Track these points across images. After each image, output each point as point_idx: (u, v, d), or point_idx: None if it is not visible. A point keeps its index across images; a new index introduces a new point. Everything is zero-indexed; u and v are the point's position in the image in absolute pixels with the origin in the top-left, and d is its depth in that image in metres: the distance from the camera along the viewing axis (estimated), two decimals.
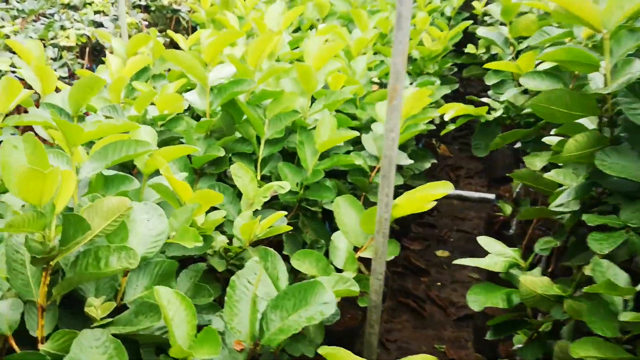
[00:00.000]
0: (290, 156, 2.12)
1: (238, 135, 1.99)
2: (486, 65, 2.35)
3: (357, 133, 1.95)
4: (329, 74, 2.11)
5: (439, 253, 2.87)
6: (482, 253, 1.56)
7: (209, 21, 3.71)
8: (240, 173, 1.71)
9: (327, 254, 1.60)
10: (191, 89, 2.30)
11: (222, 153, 1.80)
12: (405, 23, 1.19)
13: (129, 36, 3.91)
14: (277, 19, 2.39)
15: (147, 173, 1.59)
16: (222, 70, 1.97)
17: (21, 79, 2.42)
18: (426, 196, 1.48)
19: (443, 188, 1.48)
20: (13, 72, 2.85)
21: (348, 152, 2.09)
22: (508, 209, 2.67)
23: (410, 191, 1.51)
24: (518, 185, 2.88)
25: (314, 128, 2.06)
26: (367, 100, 2.39)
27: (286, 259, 1.75)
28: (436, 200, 1.51)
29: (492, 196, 3.31)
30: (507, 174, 2.04)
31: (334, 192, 1.93)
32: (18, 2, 4.36)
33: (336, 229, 1.62)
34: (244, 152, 1.94)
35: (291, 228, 1.61)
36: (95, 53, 3.73)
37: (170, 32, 3.01)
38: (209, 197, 1.48)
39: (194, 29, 4.98)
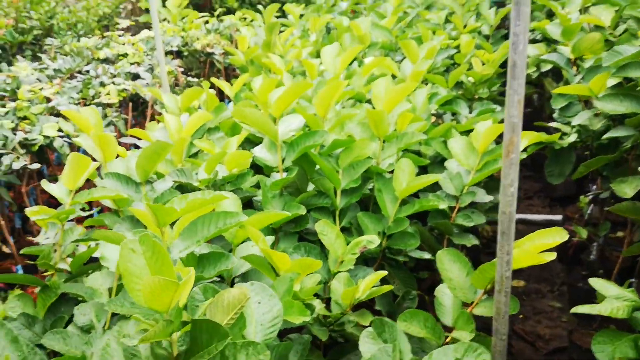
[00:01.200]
0: (363, 203, 2.03)
1: (310, 187, 1.91)
2: (556, 91, 2.25)
3: (438, 177, 1.85)
4: (399, 116, 2.03)
5: (514, 283, 2.74)
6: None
7: (248, 63, 3.67)
8: (326, 230, 1.63)
9: (421, 306, 1.50)
10: (253, 142, 2.24)
11: (303, 211, 1.71)
12: (521, 72, 1.10)
13: (170, 86, 3.88)
14: (334, 61, 2.31)
15: (236, 244, 1.51)
16: (291, 122, 1.90)
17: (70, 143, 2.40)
18: (540, 246, 1.37)
19: (557, 236, 1.37)
20: (61, 136, 2.81)
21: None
22: (584, 232, 2.55)
23: (519, 241, 1.41)
24: (589, 207, 2.75)
25: (390, 172, 1.97)
26: (431, 135, 2.30)
27: (376, 313, 1.66)
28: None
29: (558, 217, 3.18)
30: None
31: (418, 239, 1.83)
32: (50, 59, 4.37)
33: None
34: (322, 206, 1.85)
35: (392, 287, 1.51)
36: (134, 106, 3.70)
37: (215, 79, 2.96)
38: (308, 265, 1.40)
39: (227, 71, 4.95)
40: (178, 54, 4.60)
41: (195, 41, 4.61)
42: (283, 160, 1.85)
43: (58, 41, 4.80)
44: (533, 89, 3.78)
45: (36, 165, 2.53)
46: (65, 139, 2.82)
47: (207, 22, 5.29)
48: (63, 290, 1.63)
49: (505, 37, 4.37)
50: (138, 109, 3.76)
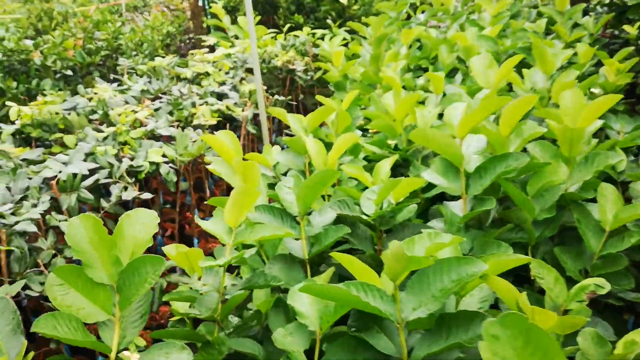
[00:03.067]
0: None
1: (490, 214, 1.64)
2: None
3: None
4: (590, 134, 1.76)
5: None
6: None
7: (343, 79, 3.45)
8: (543, 273, 1.36)
9: None
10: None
11: (509, 250, 1.44)
12: None
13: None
14: (486, 73, 2.06)
15: (462, 295, 1.25)
16: (471, 143, 1.64)
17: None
18: None
19: None
20: (166, 162, 2.60)
21: None
22: None
23: None
24: None
25: (584, 200, 1.70)
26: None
27: None
28: None
29: None
30: None
31: (632, 279, 1.55)
32: (123, 80, 4.21)
33: None
34: (516, 241, 1.58)
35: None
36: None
37: (321, 97, 2.72)
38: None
39: (304, 89, 4.74)
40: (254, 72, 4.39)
41: (273, 58, 4.41)
42: (468, 188, 1.59)
43: (129, 61, 4.64)
44: None
45: (148, 195, 2.31)
46: (171, 164, 2.61)
47: (274, 38, 5.11)
48: (232, 346, 1.39)
49: (606, 45, 4.08)
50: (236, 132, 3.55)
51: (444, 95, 2.54)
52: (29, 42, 4.58)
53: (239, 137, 3.47)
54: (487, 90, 2.01)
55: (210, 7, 6.43)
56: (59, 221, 2.11)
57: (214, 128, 3.37)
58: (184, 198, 3.47)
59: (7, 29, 4.83)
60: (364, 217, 1.62)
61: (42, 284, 1.82)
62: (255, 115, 3.63)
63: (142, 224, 1.10)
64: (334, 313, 1.16)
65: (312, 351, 1.24)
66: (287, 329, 1.30)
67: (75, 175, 2.26)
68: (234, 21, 5.47)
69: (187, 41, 6.94)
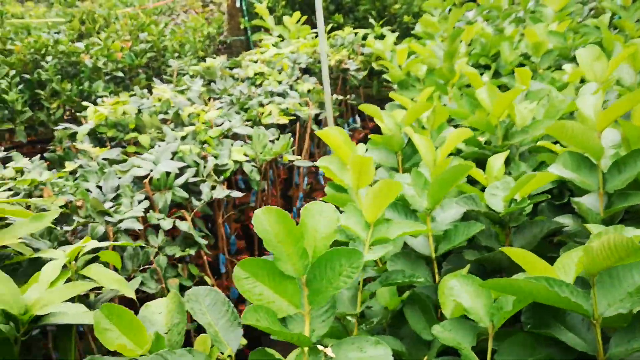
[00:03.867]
0: None
1: None
2: None
3: None
4: None
5: None
6: None
7: (406, 77, 3.42)
8: None
9: None
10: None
11: None
12: None
13: (319, 104, 3.65)
14: (592, 66, 2.02)
15: None
16: (609, 137, 1.61)
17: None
18: None
19: None
20: (248, 161, 2.59)
21: None
22: None
23: None
24: None
25: None
26: None
27: None
28: None
29: None
30: None
31: None
32: (174, 82, 4.21)
33: None
34: None
35: None
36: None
37: (394, 94, 2.70)
38: None
39: (353, 89, 4.72)
40: (306, 71, 4.39)
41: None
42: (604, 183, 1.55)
43: (178, 62, 4.64)
44: None
45: (237, 194, 2.30)
46: (253, 163, 2.59)
47: (316, 37, 5.10)
48: None
49: None
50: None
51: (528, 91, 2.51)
52: (79, 45, 4.60)
53: (303, 136, 3.46)
54: (595, 84, 1.98)
55: (247, 9, 6.43)
56: (158, 220, 2.10)
57: (280, 128, 3.36)
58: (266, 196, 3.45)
59: (58, 31, 4.85)
60: (494, 213, 1.59)
61: (157, 280, 1.81)
62: (316, 115, 3.62)
63: (324, 217, 1.08)
64: (512, 308, 1.13)
65: (478, 348, 1.21)
66: (445, 326, 1.27)
67: (168, 174, 2.25)
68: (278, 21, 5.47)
69: (224, 43, 6.94)
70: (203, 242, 2.11)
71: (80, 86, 4.26)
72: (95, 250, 1.51)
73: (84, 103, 3.31)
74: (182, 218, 2.22)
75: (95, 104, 4.53)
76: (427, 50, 3.46)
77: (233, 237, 3.02)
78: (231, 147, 2.56)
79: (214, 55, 5.90)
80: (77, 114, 4.39)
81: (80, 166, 2.60)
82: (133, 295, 1.36)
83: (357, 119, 4.86)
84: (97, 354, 1.53)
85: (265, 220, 1.06)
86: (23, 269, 1.52)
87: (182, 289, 2.08)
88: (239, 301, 2.68)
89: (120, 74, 4.56)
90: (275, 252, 1.04)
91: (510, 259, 1.24)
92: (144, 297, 2.05)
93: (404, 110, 2.35)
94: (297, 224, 1.06)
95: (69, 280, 1.39)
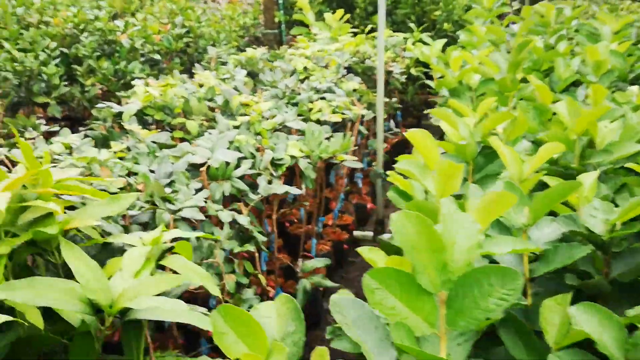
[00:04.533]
0: None
1: None
2: None
3: None
4: None
5: None
6: None
7: (459, 85, 3.32)
8: None
9: None
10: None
11: None
12: None
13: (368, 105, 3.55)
14: None
15: None
16: None
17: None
18: None
19: None
20: (303, 157, 2.48)
21: None
22: None
23: None
24: None
25: None
26: None
27: None
28: None
29: None
30: None
31: None
32: (212, 69, 4.10)
33: None
34: None
35: None
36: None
37: (453, 102, 2.59)
38: None
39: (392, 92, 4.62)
40: (348, 70, 4.28)
41: (367, 58, 4.30)
42: None
43: (216, 50, 4.54)
44: None
45: (297, 190, 2.19)
46: (308, 160, 2.49)
47: (354, 36, 5.00)
48: None
49: None
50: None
51: None
52: (118, 23, 4.49)
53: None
54: None
55: (283, 3, 6.33)
56: (216, 211, 1.99)
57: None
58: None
59: (99, 8, 4.75)
60: (596, 236, 1.49)
61: (217, 275, 1.71)
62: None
63: (463, 228, 0.98)
64: None
65: None
66: (562, 357, 1.17)
67: (227, 163, 2.14)
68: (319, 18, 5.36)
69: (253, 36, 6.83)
70: (262, 238, 2.01)
71: (116, 65, 4.16)
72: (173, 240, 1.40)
73: (134, 82, 3.21)
74: (237, 211, 2.12)
75: (130, 85, 4.43)
76: (483, 59, 3.36)
77: (273, 235, 2.92)
78: (287, 142, 2.46)
79: (247, 47, 5.80)
80: (108, 93, 4.29)
81: (128, 148, 2.50)
82: (219, 293, 1.26)
83: (392, 123, 4.77)
84: (169, 350, 1.43)
85: (408, 226, 0.95)
86: (93, 255, 1.42)
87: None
88: None
89: (157, 57, 4.46)
90: (414, 263, 0.94)
91: (614, 286, 1.15)
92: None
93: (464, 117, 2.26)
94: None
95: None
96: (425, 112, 4.69)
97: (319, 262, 2.26)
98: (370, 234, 3.47)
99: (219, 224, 2.13)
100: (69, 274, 1.34)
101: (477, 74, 3.41)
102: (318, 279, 2.18)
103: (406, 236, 0.94)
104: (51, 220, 1.34)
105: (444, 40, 4.37)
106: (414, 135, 1.70)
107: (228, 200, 2.31)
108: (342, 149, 2.50)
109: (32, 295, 1.05)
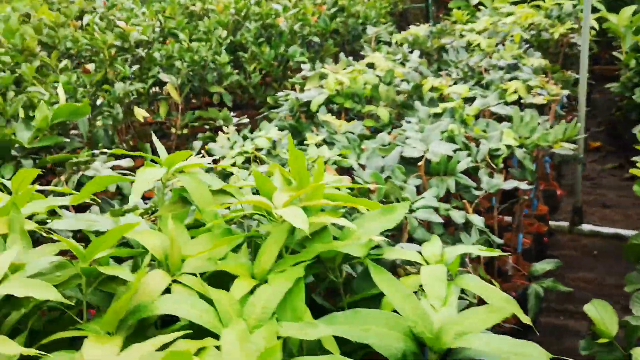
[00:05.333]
0: None
1: None
2: None
3: None
4: None
5: None
6: None
7: None
8: None
9: None
10: None
11: None
12: None
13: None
14: None
15: None
16: None
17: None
18: None
19: None
20: (519, 146, 2.25)
21: None
22: None
23: None
24: None
25: None
26: None
27: None
28: None
29: None
30: None
31: None
32: (373, 49, 3.93)
33: None
34: None
35: None
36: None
37: None
38: None
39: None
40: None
41: (542, 29, 3.94)
42: None
43: (374, 29, 4.36)
44: None
45: (526, 186, 1.97)
46: (523, 149, 2.26)
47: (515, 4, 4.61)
48: None
49: None
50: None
51: None
52: (277, 7, 4.43)
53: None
54: None
55: None
56: (446, 210, 1.82)
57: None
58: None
59: None
60: None
61: None
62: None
63: None
64: None
65: None
66: None
67: (449, 157, 1.97)
68: None
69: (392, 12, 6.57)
70: (499, 240, 1.82)
71: (276, 50, 4.09)
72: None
73: (302, 67, 3.12)
74: (459, 209, 1.94)
75: (290, 69, 4.37)
76: None
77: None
78: (501, 130, 2.24)
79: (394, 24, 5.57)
80: (268, 78, 4.25)
81: (324, 140, 2.39)
82: (529, 321, 1.08)
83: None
84: None
85: None
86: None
87: None
88: None
89: (316, 39, 4.35)
90: None
91: None
92: None
93: None
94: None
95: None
96: (607, 86, 4.25)
97: (549, 264, 2.04)
98: (565, 224, 3.18)
99: (428, 227, 1.96)
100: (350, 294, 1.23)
101: None
102: (550, 283, 1.97)
103: None
104: (326, 234, 1.23)
105: (633, 7, 3.91)
106: None
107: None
108: (565, 137, 2.24)
109: (357, 330, 0.93)
